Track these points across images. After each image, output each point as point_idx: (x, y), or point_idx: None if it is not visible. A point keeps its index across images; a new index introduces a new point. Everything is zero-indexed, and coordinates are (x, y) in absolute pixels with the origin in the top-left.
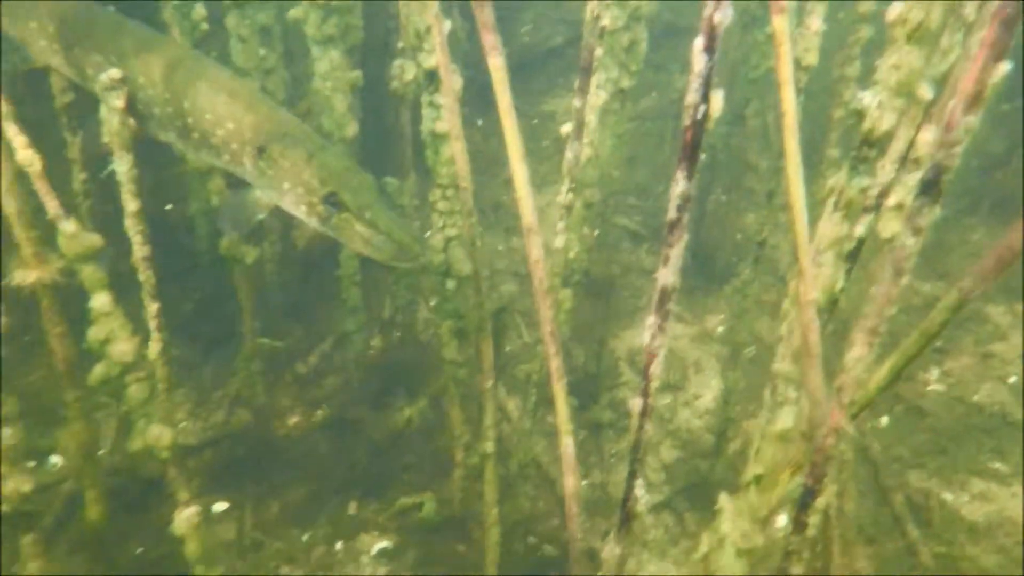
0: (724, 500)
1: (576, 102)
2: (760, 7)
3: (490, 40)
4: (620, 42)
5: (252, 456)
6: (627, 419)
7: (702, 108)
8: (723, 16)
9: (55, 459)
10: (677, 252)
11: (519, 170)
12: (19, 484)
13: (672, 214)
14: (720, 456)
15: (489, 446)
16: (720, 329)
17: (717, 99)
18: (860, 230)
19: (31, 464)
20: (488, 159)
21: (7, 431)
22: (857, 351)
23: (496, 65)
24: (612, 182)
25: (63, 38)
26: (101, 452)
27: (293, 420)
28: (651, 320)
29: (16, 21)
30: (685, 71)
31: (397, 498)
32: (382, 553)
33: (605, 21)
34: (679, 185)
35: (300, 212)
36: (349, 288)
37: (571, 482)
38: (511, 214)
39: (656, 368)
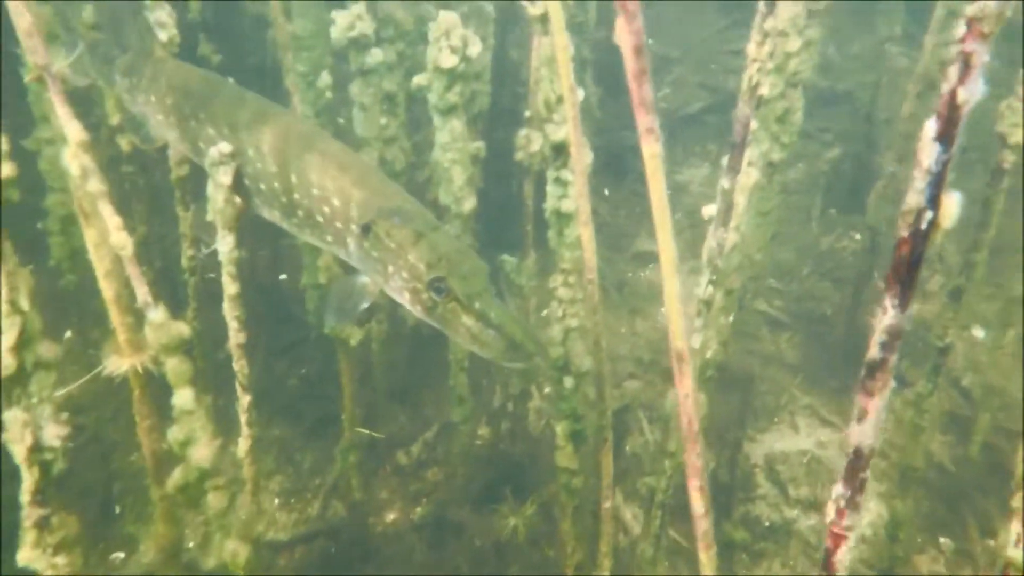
0: None
1: (724, 183)
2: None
3: (646, 121)
4: (773, 111)
5: (345, 556)
6: (763, 540)
7: (928, 215)
8: (971, 94)
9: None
10: (878, 404)
11: (671, 288)
12: None
13: (875, 353)
14: None
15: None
16: (880, 440)
17: (950, 204)
18: None
19: (121, 555)
20: (615, 232)
21: (60, 559)
22: None
23: (652, 153)
24: (753, 265)
25: (179, 111)
26: (190, 545)
27: (391, 516)
28: (839, 490)
29: (136, 95)
30: (840, 141)
31: None
32: None
33: (764, 90)
34: (887, 316)
35: (404, 299)
36: (457, 375)
37: None
38: (638, 294)
39: (843, 557)
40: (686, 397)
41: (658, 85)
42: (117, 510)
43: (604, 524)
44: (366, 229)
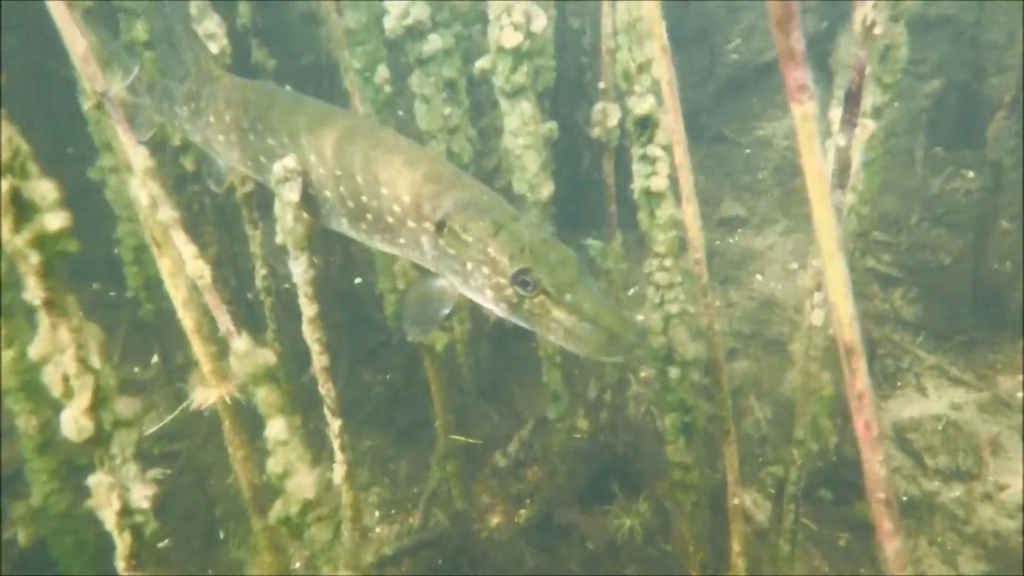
0: None
1: (839, 140)
2: None
3: (797, 77)
4: (875, 49)
5: (453, 565)
6: (903, 517)
7: None
8: None
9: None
10: None
11: (836, 272)
12: None
13: None
14: None
15: None
16: (1020, 395)
17: None
18: None
19: None
20: (697, 199)
21: None
22: None
23: (805, 114)
24: (860, 220)
25: (239, 126)
26: (296, 566)
27: (495, 520)
28: None
29: (197, 120)
30: (939, 71)
31: None
32: None
33: (879, 29)
34: None
35: (486, 299)
36: (550, 371)
37: None
38: (728, 262)
39: None
40: (861, 397)
41: (727, 36)
42: (221, 535)
43: (734, 522)
44: (441, 225)
